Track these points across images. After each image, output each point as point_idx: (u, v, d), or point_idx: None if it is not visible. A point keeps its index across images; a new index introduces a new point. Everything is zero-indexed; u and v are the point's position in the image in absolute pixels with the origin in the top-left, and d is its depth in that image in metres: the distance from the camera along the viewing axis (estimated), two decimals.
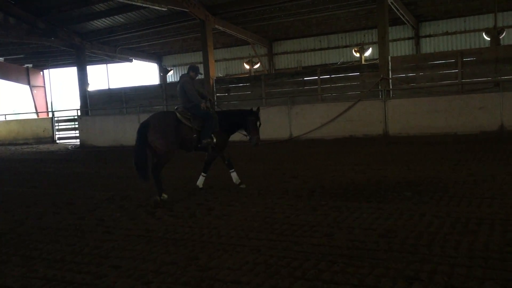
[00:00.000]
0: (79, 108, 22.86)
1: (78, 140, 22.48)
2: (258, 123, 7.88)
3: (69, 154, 18.67)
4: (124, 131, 19.82)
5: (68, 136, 25.34)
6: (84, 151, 19.40)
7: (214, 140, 7.67)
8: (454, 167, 8.62)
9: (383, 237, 4.72)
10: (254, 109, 7.97)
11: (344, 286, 3.62)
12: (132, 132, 20.92)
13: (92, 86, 23.76)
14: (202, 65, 19.69)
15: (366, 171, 8.86)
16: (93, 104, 22.52)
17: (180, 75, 8.01)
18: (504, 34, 17.61)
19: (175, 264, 4.36)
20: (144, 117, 19.35)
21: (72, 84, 45.17)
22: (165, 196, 7.06)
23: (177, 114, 7.58)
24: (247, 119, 7.83)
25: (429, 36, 22.41)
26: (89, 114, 22.45)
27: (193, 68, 8.12)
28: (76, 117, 23.12)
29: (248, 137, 7.92)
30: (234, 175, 8.00)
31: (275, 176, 8.98)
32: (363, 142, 14.44)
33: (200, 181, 8.08)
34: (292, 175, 8.96)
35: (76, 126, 23.19)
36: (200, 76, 7.89)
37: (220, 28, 20.19)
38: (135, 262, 4.50)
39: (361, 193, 6.88)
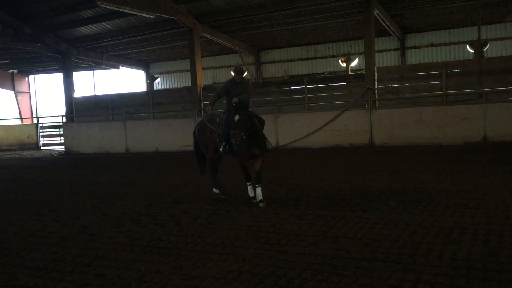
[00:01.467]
0: (64, 114, 22.66)
1: (63, 147, 22.26)
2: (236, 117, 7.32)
3: (54, 161, 18.48)
4: (110, 138, 19.72)
5: (52, 143, 25.12)
6: (69, 158, 19.21)
7: (221, 149, 7.45)
8: (438, 177, 8.71)
9: (367, 246, 4.74)
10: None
11: None
12: (118, 139, 20.80)
13: (78, 93, 23.62)
14: (189, 73, 19.70)
15: (352, 181, 8.90)
16: (79, 110, 22.35)
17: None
18: (487, 46, 17.97)
19: (159, 272, 4.33)
20: (130, 124, 19.43)
21: (58, 90, 44.77)
22: (216, 191, 7.86)
23: (205, 119, 8.06)
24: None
25: (415, 47, 22.71)
26: (75, 120, 22.26)
27: (235, 70, 7.65)
28: (61, 123, 22.91)
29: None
30: (257, 191, 7.26)
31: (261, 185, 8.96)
32: (349, 151, 14.53)
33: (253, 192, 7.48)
34: (278, 183, 8.97)
35: (61, 132, 22.98)
36: (246, 76, 7.71)
37: (208, 36, 20.22)
38: (118, 270, 4.46)
39: (347, 202, 6.91)
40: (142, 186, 9.80)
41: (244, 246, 5.01)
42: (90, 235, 5.85)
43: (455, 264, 4.10)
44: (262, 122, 7.52)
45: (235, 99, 7.18)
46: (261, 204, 6.92)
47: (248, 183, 7.45)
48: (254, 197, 7.17)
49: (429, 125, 14.30)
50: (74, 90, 23.06)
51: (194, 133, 8.33)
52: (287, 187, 8.58)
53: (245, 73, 23.72)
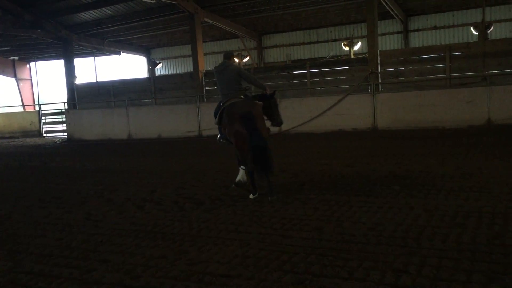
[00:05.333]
0: (66, 101, 22.63)
1: (65, 134, 22.28)
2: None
3: (56, 147, 18.50)
4: (112, 124, 19.71)
5: (55, 130, 25.12)
6: (71, 144, 19.23)
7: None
8: (442, 161, 8.68)
9: (372, 230, 4.73)
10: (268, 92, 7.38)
11: (333, 279, 3.63)
12: (120, 125, 20.80)
13: (80, 79, 23.55)
14: (191, 58, 19.60)
15: (355, 165, 8.88)
16: (81, 97, 22.32)
17: (221, 62, 7.33)
18: (491, 28, 17.76)
19: (164, 258, 4.34)
20: (132, 110, 19.38)
21: (59, 77, 44.65)
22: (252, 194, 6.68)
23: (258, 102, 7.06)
24: (271, 102, 7.29)
25: (418, 30, 22.52)
26: (77, 107, 22.24)
27: (232, 54, 7.54)
28: (63, 110, 22.89)
29: (271, 119, 7.39)
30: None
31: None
32: (352, 136, 14.48)
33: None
34: (281, 168, 8.95)
35: (64, 119, 22.97)
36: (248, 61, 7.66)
37: (209, 21, 20.08)
38: (123, 256, 4.47)
39: (350, 187, 6.90)
40: (145, 172, 9.81)
41: (248, 231, 5.01)
42: (95, 221, 5.87)
43: (460, 248, 4.08)
44: None
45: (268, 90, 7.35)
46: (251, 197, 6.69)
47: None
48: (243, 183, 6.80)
49: (433, 108, 14.22)
50: (75, 77, 23.00)
51: (249, 114, 6.55)
52: (290, 172, 8.57)
53: (247, 58, 23.63)
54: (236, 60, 7.37)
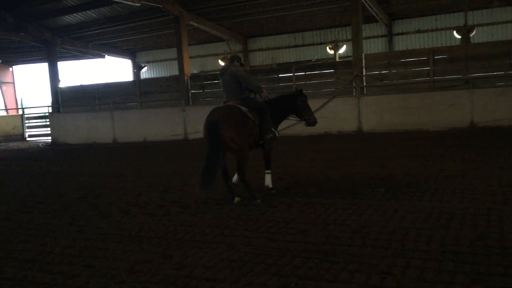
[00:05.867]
0: (50, 105, 22.38)
1: (49, 138, 22.02)
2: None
3: (40, 152, 18.29)
4: (97, 128, 19.54)
5: (39, 134, 24.82)
6: (55, 148, 19.02)
7: (277, 134, 7.18)
8: (426, 163, 8.77)
9: (357, 232, 4.76)
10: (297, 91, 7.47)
11: (318, 282, 3.64)
12: (105, 129, 20.62)
13: (64, 83, 23.34)
14: (176, 61, 19.54)
15: (341, 168, 8.93)
16: (65, 100, 22.10)
17: (224, 65, 7.22)
18: (474, 32, 18.04)
19: (149, 262, 4.31)
20: (117, 114, 19.25)
21: (43, 81, 44.15)
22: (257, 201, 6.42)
23: (242, 108, 6.66)
24: (298, 102, 7.24)
25: (402, 34, 22.74)
26: (61, 111, 22.01)
27: (237, 58, 7.27)
28: (47, 114, 22.63)
29: (302, 120, 7.40)
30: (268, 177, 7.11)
31: (250, 173, 8.94)
32: (338, 138, 14.56)
33: (268, 181, 7.06)
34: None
35: (47, 123, 22.71)
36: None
37: (195, 24, 20.05)
38: (108, 261, 4.43)
39: (336, 189, 6.94)
40: (130, 176, 9.75)
41: (234, 234, 5.00)
42: (79, 226, 5.80)
43: (443, 249, 4.13)
44: None
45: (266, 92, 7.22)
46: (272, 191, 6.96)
47: (270, 172, 7.14)
48: (273, 188, 6.99)
49: (417, 111, 14.37)
50: (59, 80, 22.78)
51: (215, 131, 6.28)
52: (276, 175, 8.57)
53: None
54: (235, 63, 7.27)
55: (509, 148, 9.86)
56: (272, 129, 7.01)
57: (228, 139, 6.29)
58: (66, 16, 20.81)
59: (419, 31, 22.34)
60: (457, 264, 3.77)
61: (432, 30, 22.06)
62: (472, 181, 6.89)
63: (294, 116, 7.46)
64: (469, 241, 4.27)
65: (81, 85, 23.09)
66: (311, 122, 7.30)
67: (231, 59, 7.24)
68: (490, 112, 13.47)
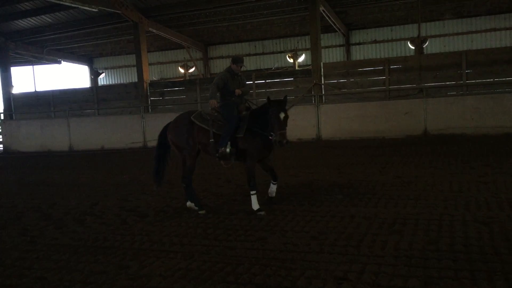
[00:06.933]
0: (2, 111, 21.57)
1: (1, 146, 21.20)
2: (282, 115, 6.15)
3: None
4: (52, 135, 18.96)
5: None
6: (7, 157, 18.32)
7: (228, 150, 6.24)
8: (382, 170, 8.98)
9: (314, 239, 4.82)
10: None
11: None
12: (61, 137, 20.00)
13: (17, 89, 22.54)
14: (135, 68, 19.26)
15: (299, 175, 9.02)
16: (18, 107, 21.37)
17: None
18: (427, 43, 18.70)
19: (104, 273, 4.21)
20: (74, 121, 18.77)
21: None
22: (191, 204, 6.47)
23: (192, 115, 6.55)
24: (269, 113, 6.16)
25: (359, 44, 23.28)
26: (14, 118, 21.25)
27: (234, 59, 6.66)
28: None
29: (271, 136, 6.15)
30: (273, 188, 6.65)
31: (210, 181, 8.93)
32: (297, 146, 14.69)
33: (253, 202, 6.21)
34: (226, 179, 8.96)
35: None
36: (244, 68, 6.76)
37: (154, 31, 19.85)
38: (61, 273, 4.30)
39: (294, 196, 7.00)
40: (86, 185, 9.51)
41: (193, 243, 4.96)
42: (31, 237, 5.61)
43: (397, 254, 4.24)
44: None
45: (238, 91, 6.51)
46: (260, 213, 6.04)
47: (254, 193, 6.20)
48: (260, 209, 6.07)
49: (373, 119, 14.70)
50: (12, 86, 22.00)
51: (163, 133, 6.80)
52: (235, 182, 8.58)
53: (193, 69, 23.53)
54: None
55: (460, 155, 10.23)
56: (228, 144, 6.24)
57: (169, 139, 6.69)
58: (20, 21, 20.15)
59: (375, 41, 22.95)
60: (410, 269, 3.88)
61: (387, 41, 22.70)
62: (426, 187, 7.11)
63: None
64: (421, 246, 4.40)
65: (35, 91, 22.40)
66: (276, 140, 6.10)
67: (231, 61, 6.79)
68: (442, 120, 13.94)
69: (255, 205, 6.12)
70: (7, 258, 4.83)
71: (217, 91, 6.56)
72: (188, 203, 6.53)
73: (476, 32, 21.07)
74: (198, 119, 6.50)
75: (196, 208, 6.42)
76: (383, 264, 4.00)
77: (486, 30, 20.88)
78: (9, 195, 8.79)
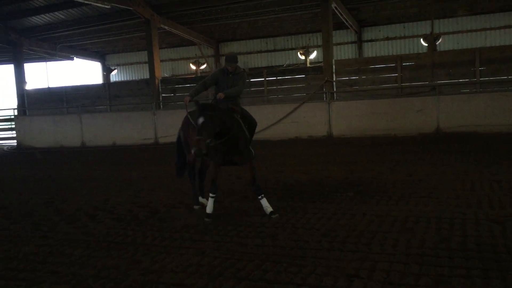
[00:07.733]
0: (16, 107, 21.81)
1: (15, 141, 21.44)
2: (200, 120, 5.43)
3: (5, 155, 17.78)
4: (64, 131, 19.14)
5: (4, 137, 24.13)
6: (21, 152, 18.53)
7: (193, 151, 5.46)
8: (394, 168, 8.93)
9: (325, 236, 4.81)
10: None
11: (287, 285, 3.66)
12: (73, 133, 20.18)
13: (31, 85, 22.76)
14: (147, 65, 19.32)
15: (310, 172, 9.01)
16: (32, 103, 21.55)
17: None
18: (440, 40, 18.51)
19: (116, 268, 4.25)
20: (86, 117, 18.91)
21: (9, 83, 42.98)
22: (195, 207, 6.42)
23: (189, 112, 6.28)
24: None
25: (371, 40, 23.14)
26: (27, 113, 21.47)
27: (226, 58, 6.38)
28: (12, 117, 22.03)
29: None
30: (263, 204, 5.95)
31: (221, 177, 8.94)
32: (308, 143, 14.68)
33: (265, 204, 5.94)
34: (237, 176, 8.98)
35: (13, 126, 22.10)
36: (246, 67, 6.44)
37: (166, 27, 19.90)
38: (73, 267, 4.34)
39: (305, 194, 6.99)
40: (98, 180, 9.58)
41: (204, 239, 4.98)
42: (44, 232, 5.68)
43: (409, 252, 4.22)
44: (253, 125, 6.45)
45: (220, 94, 6.04)
46: (273, 216, 5.70)
47: (212, 195, 5.86)
48: (209, 215, 5.76)
49: (385, 116, 14.62)
50: (26, 82, 22.20)
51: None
52: (246, 179, 8.58)
53: (204, 65, 23.57)
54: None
55: (473, 153, 10.14)
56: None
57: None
58: (33, 17, 20.32)
59: (387, 38, 22.79)
60: (422, 267, 3.86)
61: (400, 38, 22.54)
62: (438, 185, 7.06)
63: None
64: (433, 244, 4.37)
65: (48, 87, 22.59)
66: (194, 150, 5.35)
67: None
68: (455, 118, 13.82)
69: (209, 209, 5.82)
70: (20, 252, 4.89)
71: (201, 90, 6.35)
72: (200, 199, 6.58)
73: (490, 29, 20.82)
74: (192, 116, 6.10)
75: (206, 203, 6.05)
76: (394, 262, 3.98)
77: (500, 27, 20.63)
78: (22, 190, 8.89)
